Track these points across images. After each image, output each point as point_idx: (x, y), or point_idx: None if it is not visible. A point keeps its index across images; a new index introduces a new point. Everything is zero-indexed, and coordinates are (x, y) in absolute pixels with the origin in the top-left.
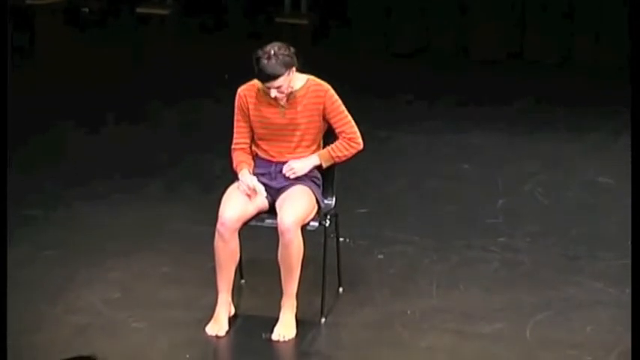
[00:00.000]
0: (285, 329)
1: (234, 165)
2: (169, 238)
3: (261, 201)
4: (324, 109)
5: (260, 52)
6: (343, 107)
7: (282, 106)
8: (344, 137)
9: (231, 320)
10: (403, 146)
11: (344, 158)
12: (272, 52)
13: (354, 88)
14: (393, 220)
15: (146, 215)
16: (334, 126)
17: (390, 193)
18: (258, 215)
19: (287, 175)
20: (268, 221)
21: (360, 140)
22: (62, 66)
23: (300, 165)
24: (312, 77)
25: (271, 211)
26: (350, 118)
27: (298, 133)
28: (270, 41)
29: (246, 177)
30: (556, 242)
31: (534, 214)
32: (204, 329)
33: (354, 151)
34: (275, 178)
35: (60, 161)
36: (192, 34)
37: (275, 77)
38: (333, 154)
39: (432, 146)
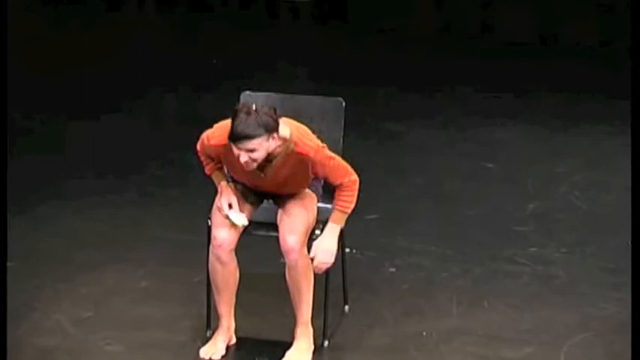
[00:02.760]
0: (299, 355)
1: (207, 170)
2: (149, 247)
3: (253, 211)
4: (317, 173)
5: (239, 106)
6: (334, 158)
7: (263, 172)
8: (345, 186)
9: (229, 346)
10: (418, 142)
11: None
12: (253, 107)
13: (361, 75)
14: (407, 228)
15: (122, 221)
16: (328, 182)
17: (404, 197)
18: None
19: (322, 269)
20: (262, 231)
21: (355, 176)
22: (30, 49)
23: (330, 249)
24: (294, 134)
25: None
26: (341, 162)
27: (286, 188)
28: (268, 19)
29: (223, 199)
30: (595, 253)
31: (570, 221)
32: (188, 352)
33: (357, 191)
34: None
35: (23, 158)
36: (180, 12)
37: (249, 138)
38: (348, 211)
39: (451, 142)
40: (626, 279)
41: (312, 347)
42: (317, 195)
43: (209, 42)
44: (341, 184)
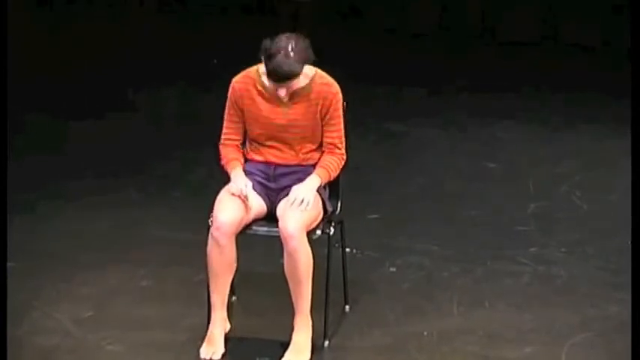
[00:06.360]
0: (297, 355)
1: (224, 162)
2: (149, 247)
3: (259, 205)
4: (327, 111)
5: (274, 48)
6: (342, 116)
7: (284, 104)
8: (335, 152)
9: (226, 340)
10: (419, 142)
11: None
12: (289, 47)
13: (362, 75)
14: (408, 228)
15: (123, 221)
16: (325, 133)
17: (405, 196)
18: (255, 221)
19: (300, 208)
20: (264, 229)
21: (345, 156)
22: (29, 48)
23: (307, 192)
24: (319, 71)
25: (270, 218)
26: (343, 129)
27: (300, 135)
28: (268, 19)
29: (239, 180)
30: (596, 253)
31: (571, 221)
32: (188, 352)
33: (340, 168)
34: (274, 181)
35: (23, 158)
36: (177, 8)
37: (292, 77)
38: (332, 174)
39: (452, 142)
40: (627, 279)
41: (310, 338)
42: (323, 199)
43: (209, 41)
44: (334, 148)
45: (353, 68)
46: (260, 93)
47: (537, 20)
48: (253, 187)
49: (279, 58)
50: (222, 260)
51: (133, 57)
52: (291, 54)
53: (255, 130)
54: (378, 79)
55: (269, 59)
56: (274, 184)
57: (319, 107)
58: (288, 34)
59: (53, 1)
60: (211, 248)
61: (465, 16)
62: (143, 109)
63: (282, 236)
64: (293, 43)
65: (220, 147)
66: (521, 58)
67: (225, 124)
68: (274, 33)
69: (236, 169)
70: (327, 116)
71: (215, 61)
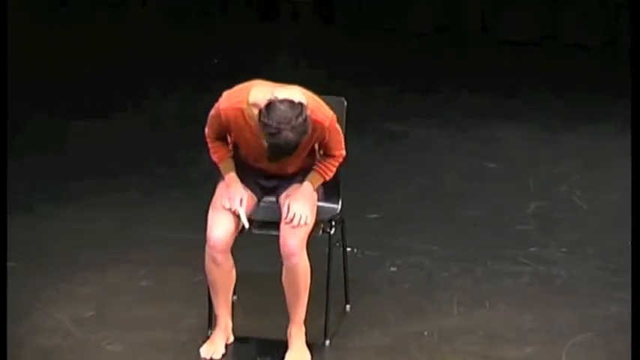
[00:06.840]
0: (299, 356)
1: (215, 157)
2: (149, 247)
3: (253, 205)
4: (322, 140)
5: (274, 125)
6: (340, 133)
7: None
8: (334, 158)
9: (227, 345)
10: (419, 142)
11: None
12: (290, 124)
13: (361, 75)
14: (408, 227)
15: (123, 221)
16: (324, 149)
17: (405, 196)
18: (255, 221)
19: (295, 223)
20: (263, 230)
21: (345, 152)
22: (29, 48)
23: (304, 208)
24: (310, 104)
25: (269, 222)
26: (342, 137)
27: (293, 159)
28: (268, 19)
29: (235, 195)
30: (596, 253)
31: (571, 221)
32: (188, 352)
33: (339, 165)
34: (267, 180)
35: (23, 158)
36: (177, 8)
37: (296, 149)
38: (327, 177)
39: (452, 142)
40: (627, 279)
41: (305, 343)
42: (318, 195)
43: (209, 41)
44: (334, 157)
45: (353, 68)
46: (250, 127)
47: (537, 20)
48: (246, 183)
49: (282, 134)
50: (220, 276)
51: (133, 57)
52: (291, 129)
53: (242, 153)
54: (378, 79)
55: (269, 137)
56: (267, 183)
57: (313, 140)
58: (285, 107)
59: (53, 1)
60: (209, 265)
61: (465, 16)
62: (143, 110)
63: (282, 252)
64: (294, 116)
65: (207, 139)
66: (521, 58)
67: (207, 132)
68: (274, 34)
69: (230, 173)
70: (324, 143)
71: (215, 60)
